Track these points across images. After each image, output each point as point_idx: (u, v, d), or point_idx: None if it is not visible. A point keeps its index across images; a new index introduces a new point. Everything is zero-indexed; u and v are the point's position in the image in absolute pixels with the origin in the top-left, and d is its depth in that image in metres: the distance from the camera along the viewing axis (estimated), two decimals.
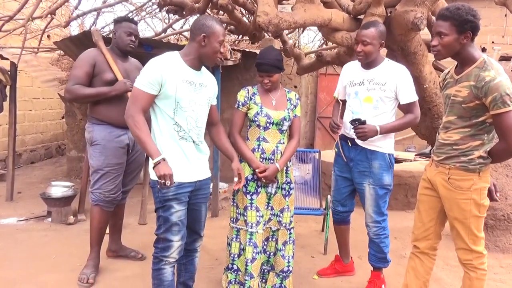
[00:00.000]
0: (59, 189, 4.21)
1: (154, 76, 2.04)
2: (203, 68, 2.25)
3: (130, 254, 3.23)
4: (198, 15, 4.03)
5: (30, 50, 5.11)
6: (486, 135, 2.02)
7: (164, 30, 4.93)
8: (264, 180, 2.47)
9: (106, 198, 2.89)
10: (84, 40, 4.53)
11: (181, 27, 5.90)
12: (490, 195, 2.09)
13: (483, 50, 9.91)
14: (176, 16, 4.83)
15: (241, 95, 2.56)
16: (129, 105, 2.07)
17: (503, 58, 9.71)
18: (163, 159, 1.99)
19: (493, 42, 9.94)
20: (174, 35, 5.56)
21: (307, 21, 2.65)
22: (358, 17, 2.92)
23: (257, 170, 2.44)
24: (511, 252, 3.52)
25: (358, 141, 2.60)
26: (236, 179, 2.39)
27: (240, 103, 2.55)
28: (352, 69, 2.76)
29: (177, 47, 4.69)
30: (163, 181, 1.94)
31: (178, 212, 2.12)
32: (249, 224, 2.49)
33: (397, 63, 2.71)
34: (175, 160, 2.08)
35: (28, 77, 6.91)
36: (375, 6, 2.70)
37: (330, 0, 2.81)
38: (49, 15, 3.78)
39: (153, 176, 2.10)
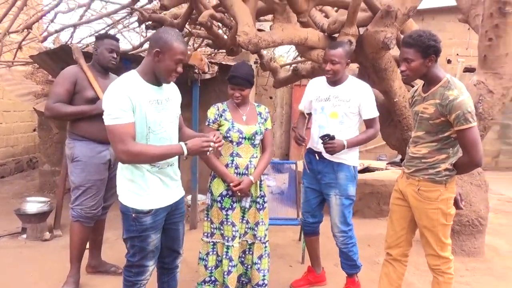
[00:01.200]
0: (34, 204, 4.14)
1: (123, 102, 1.85)
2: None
3: (110, 269, 3.24)
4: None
5: (4, 64, 5.03)
6: (451, 149, 2.18)
7: (141, 44, 4.97)
8: (239, 194, 2.50)
9: (87, 214, 2.89)
10: (61, 54, 4.53)
11: None
12: (456, 204, 2.26)
13: (449, 62, 10.41)
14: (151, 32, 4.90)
15: (211, 113, 2.59)
16: (116, 147, 1.88)
17: (467, 70, 10.19)
18: (184, 144, 1.95)
19: (457, 54, 10.45)
20: None
21: (284, 40, 2.77)
22: (333, 35, 3.07)
23: (231, 184, 2.47)
24: (476, 256, 3.73)
25: (326, 155, 2.73)
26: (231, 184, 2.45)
27: (211, 120, 2.58)
28: (318, 85, 2.89)
29: None
30: (211, 149, 1.96)
31: (154, 240, 2.09)
32: (226, 238, 2.55)
33: (360, 80, 2.86)
34: (151, 188, 2.03)
35: None
36: (349, 26, 2.87)
37: (306, 20, 2.94)
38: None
39: (125, 202, 2.03)
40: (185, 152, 1.94)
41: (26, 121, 8.27)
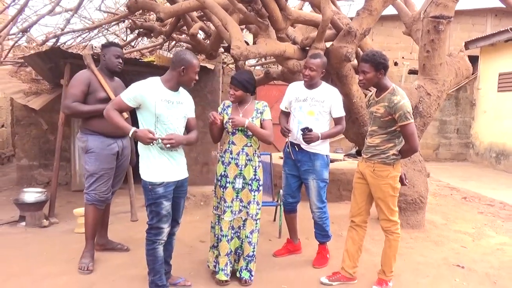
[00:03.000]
0: (32, 194, 4.47)
1: (134, 94, 2.64)
2: (181, 88, 2.84)
3: (117, 247, 3.72)
4: (164, 36, 4.61)
5: None
6: (397, 139, 2.92)
7: (123, 47, 5.38)
8: (231, 124, 3.00)
9: (100, 198, 3.37)
10: (50, 55, 4.87)
11: (136, 43, 6.33)
12: (401, 180, 3.00)
13: (395, 64, 11.51)
14: (133, 35, 5.34)
15: (219, 107, 3.25)
16: (109, 105, 2.72)
17: (412, 72, 11.38)
18: (134, 129, 2.60)
19: (403, 58, 11.56)
20: (136, 52, 5.98)
21: (268, 52, 3.39)
22: (306, 48, 3.73)
23: (228, 118, 3.02)
24: (418, 228, 4.57)
25: (303, 146, 3.39)
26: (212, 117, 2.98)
27: (218, 112, 3.19)
28: (297, 88, 3.52)
29: (142, 64, 5.20)
30: (153, 141, 2.58)
31: (166, 206, 2.73)
32: (222, 211, 3.11)
33: (331, 86, 3.53)
34: (161, 165, 2.69)
35: None
36: (318, 42, 3.54)
37: (283, 36, 3.58)
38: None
39: (144, 177, 2.69)
40: (130, 135, 2.63)
41: None
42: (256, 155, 3.17)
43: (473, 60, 10.19)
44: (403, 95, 2.84)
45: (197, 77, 2.76)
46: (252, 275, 3.15)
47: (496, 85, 9.99)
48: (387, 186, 2.92)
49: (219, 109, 3.24)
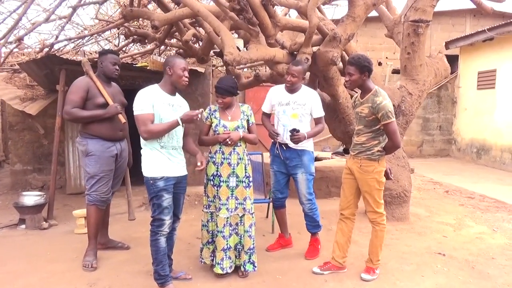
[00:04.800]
0: (31, 198, 4.61)
1: (147, 100, 2.86)
2: (177, 94, 3.08)
3: (118, 245, 3.88)
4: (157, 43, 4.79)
5: None
6: (381, 137, 3.16)
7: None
8: (228, 142, 3.16)
9: (101, 199, 3.53)
10: (45, 62, 5.00)
11: (127, 49, 6.47)
12: (386, 175, 3.24)
13: (379, 64, 11.84)
14: (126, 41, 5.50)
15: (206, 112, 3.37)
16: (141, 129, 2.84)
17: (395, 71, 11.71)
18: (179, 117, 2.86)
19: (386, 58, 11.91)
20: (127, 57, 6.12)
21: (259, 57, 3.60)
22: (294, 53, 3.95)
23: (224, 135, 3.18)
24: (403, 220, 4.84)
25: (291, 144, 3.60)
26: (199, 163, 3.03)
27: (204, 118, 3.34)
28: (278, 93, 3.73)
29: (136, 69, 5.36)
30: (200, 116, 2.89)
31: (167, 199, 2.94)
32: (216, 209, 3.29)
33: (310, 89, 3.75)
34: (161, 161, 2.91)
35: None
36: (305, 47, 3.77)
37: (272, 41, 3.79)
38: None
39: (146, 173, 2.90)
40: (180, 122, 2.87)
41: None
42: (245, 153, 3.37)
43: (454, 59, 10.60)
44: (384, 96, 3.08)
45: (186, 74, 2.97)
46: (255, 266, 3.34)
47: (475, 83, 10.40)
48: (373, 180, 3.16)
49: (205, 114, 3.36)
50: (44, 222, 4.60)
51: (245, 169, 3.35)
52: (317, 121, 3.72)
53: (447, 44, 10.75)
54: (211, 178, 3.30)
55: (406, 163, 4.99)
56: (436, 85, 6.55)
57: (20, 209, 4.57)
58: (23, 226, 4.55)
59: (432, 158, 11.36)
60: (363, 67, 3.05)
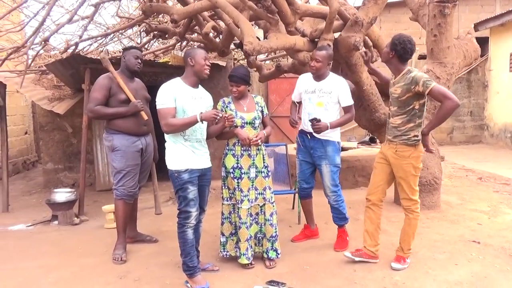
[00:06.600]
0: (63, 194, 4.75)
1: (169, 94, 2.88)
2: (200, 86, 3.08)
3: (146, 239, 3.94)
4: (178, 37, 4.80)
5: (17, 73, 5.52)
6: (417, 119, 3.05)
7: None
8: (259, 143, 3.21)
9: (128, 193, 3.58)
10: (71, 61, 5.11)
11: (149, 45, 6.55)
12: (428, 149, 3.10)
13: None
14: (147, 38, 5.54)
15: (219, 105, 3.33)
16: (162, 123, 2.85)
17: (421, 57, 11.38)
18: (199, 114, 2.85)
19: None
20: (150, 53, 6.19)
21: (279, 46, 3.54)
22: (315, 40, 3.87)
23: (251, 137, 3.17)
24: (434, 208, 4.69)
25: (315, 134, 3.54)
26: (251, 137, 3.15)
27: (220, 109, 3.30)
28: (306, 80, 3.68)
29: (158, 65, 5.41)
30: (219, 116, 2.93)
31: (192, 191, 2.95)
32: (237, 201, 3.29)
33: (339, 76, 3.66)
34: (185, 154, 2.92)
35: None
36: (327, 33, 3.68)
37: (292, 29, 3.72)
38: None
39: (171, 167, 2.92)
40: (199, 119, 2.86)
41: (18, 124, 8.65)
42: (262, 144, 3.37)
43: (484, 41, 10.17)
44: (417, 70, 3.04)
45: (208, 63, 2.99)
46: (278, 253, 3.34)
47: (508, 65, 9.95)
48: (409, 166, 3.07)
49: (219, 107, 3.32)
50: (76, 218, 4.73)
51: (263, 159, 3.35)
52: (345, 109, 3.62)
53: (476, 26, 10.32)
54: (231, 170, 3.28)
55: (436, 149, 4.82)
56: (466, 68, 6.30)
57: (52, 206, 4.72)
58: (56, 222, 4.70)
59: (463, 145, 10.99)
60: (392, 44, 3.02)
